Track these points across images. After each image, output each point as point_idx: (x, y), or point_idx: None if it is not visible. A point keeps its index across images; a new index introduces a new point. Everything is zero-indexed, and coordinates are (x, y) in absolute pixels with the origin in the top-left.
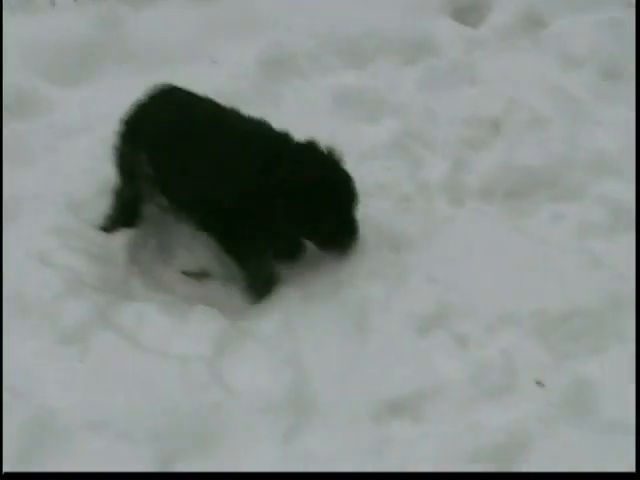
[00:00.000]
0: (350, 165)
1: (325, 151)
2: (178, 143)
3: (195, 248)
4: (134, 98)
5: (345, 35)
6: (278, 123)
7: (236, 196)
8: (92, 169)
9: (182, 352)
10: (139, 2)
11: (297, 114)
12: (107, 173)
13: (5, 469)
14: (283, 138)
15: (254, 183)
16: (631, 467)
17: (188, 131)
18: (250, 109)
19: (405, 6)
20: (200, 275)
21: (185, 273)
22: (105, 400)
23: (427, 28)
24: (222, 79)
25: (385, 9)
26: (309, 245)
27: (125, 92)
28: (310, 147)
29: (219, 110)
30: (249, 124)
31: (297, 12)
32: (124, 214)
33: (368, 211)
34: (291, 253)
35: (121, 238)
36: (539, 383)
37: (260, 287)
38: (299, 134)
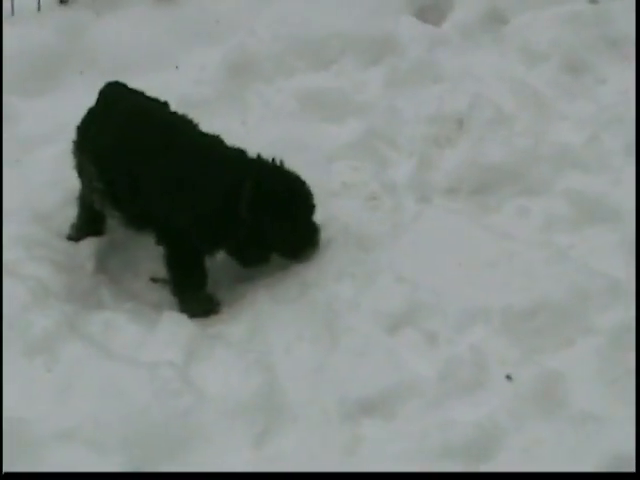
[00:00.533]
0: (317, 166)
1: (277, 164)
2: (128, 157)
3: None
4: None
5: (308, 37)
6: (244, 127)
7: (190, 218)
8: (57, 180)
9: (152, 359)
10: (101, 8)
11: (262, 117)
12: (72, 183)
13: None
14: (237, 155)
15: (212, 205)
16: (603, 457)
17: (139, 144)
18: (215, 114)
19: (367, 6)
20: (168, 281)
21: (153, 280)
22: (74, 409)
23: (389, 27)
24: (186, 85)
25: (347, 10)
26: None
27: (89, 100)
28: (263, 164)
29: (171, 119)
30: (203, 139)
31: (260, 16)
32: (89, 222)
33: (335, 211)
34: (257, 259)
35: (88, 247)
36: (509, 377)
37: (192, 315)
38: (264, 137)
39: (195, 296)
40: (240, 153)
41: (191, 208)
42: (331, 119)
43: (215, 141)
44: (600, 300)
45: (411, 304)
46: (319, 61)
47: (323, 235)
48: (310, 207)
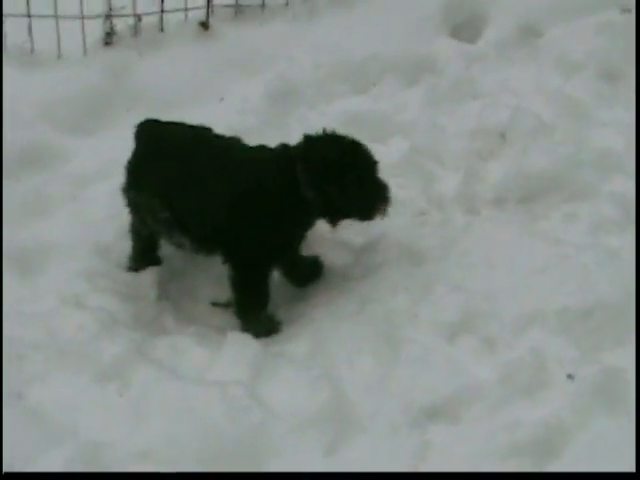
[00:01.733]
0: None
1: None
2: (188, 183)
3: (221, 279)
4: None
5: (347, 62)
6: None
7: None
8: (112, 214)
9: (220, 378)
10: (144, 48)
11: None
12: (128, 216)
13: None
14: (283, 149)
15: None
16: None
17: (194, 168)
18: (261, 141)
19: (403, 29)
20: (229, 305)
21: (214, 304)
22: (148, 430)
23: (426, 48)
24: (231, 116)
25: (384, 34)
26: (331, 267)
27: None
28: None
29: (217, 140)
30: (252, 151)
31: (298, 44)
32: (145, 253)
33: (385, 228)
34: (312, 274)
35: (149, 276)
36: (570, 376)
37: (255, 335)
38: None
39: (258, 317)
40: (284, 147)
41: (256, 216)
42: (375, 139)
43: (262, 149)
44: None
45: (467, 312)
46: (359, 85)
47: (377, 250)
48: (370, 163)
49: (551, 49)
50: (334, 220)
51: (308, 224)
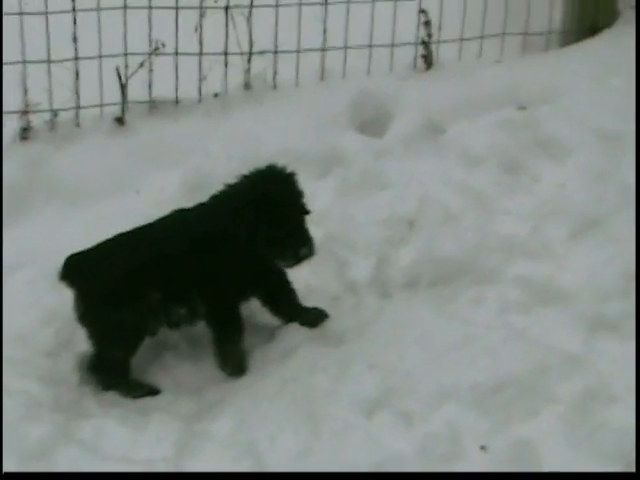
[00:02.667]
0: None
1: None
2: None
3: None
4: (65, 234)
5: (259, 155)
6: None
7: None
8: (32, 301)
9: (145, 457)
10: (61, 143)
11: None
12: (48, 304)
13: None
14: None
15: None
16: None
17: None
18: None
19: (313, 124)
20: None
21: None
22: None
23: (335, 142)
24: (147, 207)
25: (294, 128)
26: (250, 349)
27: (56, 228)
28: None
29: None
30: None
31: (212, 138)
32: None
33: None
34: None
35: (70, 361)
36: (483, 448)
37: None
38: None
39: (236, 347)
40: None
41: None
42: None
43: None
44: (559, 372)
45: (384, 388)
46: None
47: (294, 332)
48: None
49: (454, 144)
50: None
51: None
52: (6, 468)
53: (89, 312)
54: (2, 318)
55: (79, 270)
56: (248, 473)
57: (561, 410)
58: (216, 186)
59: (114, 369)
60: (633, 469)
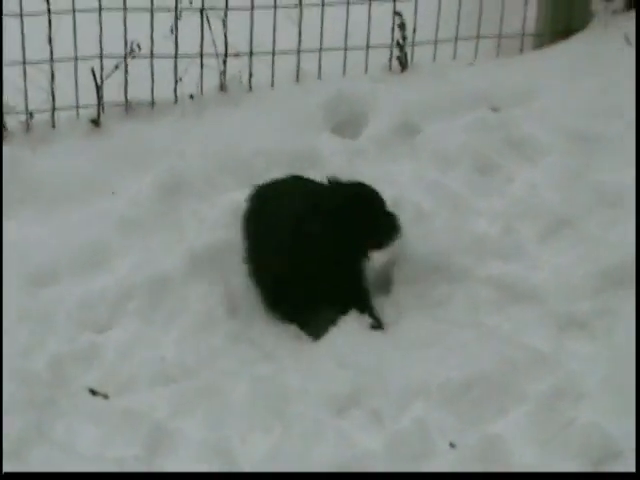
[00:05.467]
0: None
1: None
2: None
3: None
4: (40, 234)
5: (234, 156)
6: (180, 243)
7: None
8: (8, 302)
9: (117, 455)
10: (37, 144)
11: (197, 233)
12: (22, 304)
13: None
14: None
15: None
16: None
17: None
18: (154, 232)
19: (287, 126)
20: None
21: (92, 392)
22: None
23: (310, 143)
24: (123, 208)
25: (269, 130)
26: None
27: (31, 230)
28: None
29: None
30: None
31: (188, 139)
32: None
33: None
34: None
35: (43, 361)
36: (452, 445)
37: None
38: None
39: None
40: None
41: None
42: None
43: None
44: (529, 370)
45: (355, 387)
46: (247, 177)
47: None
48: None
49: (428, 145)
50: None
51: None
52: None
53: None
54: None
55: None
56: (249, 473)
57: (530, 408)
58: (191, 188)
59: None
60: (600, 466)
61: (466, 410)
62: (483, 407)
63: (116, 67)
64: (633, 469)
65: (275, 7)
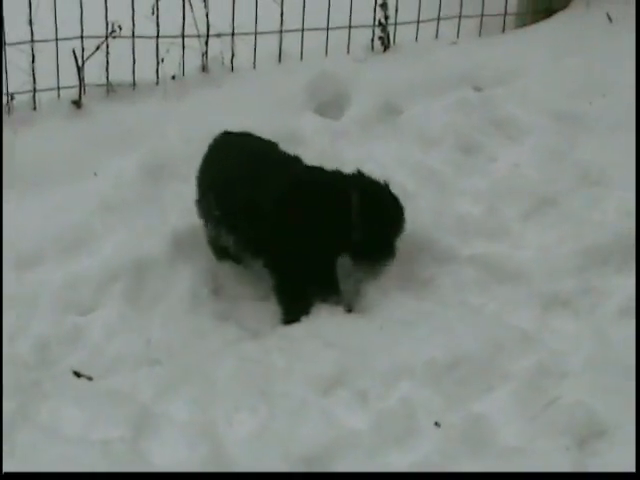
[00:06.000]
0: None
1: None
2: (240, 187)
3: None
4: (23, 217)
5: None
6: (163, 224)
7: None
8: None
9: (102, 437)
10: (18, 125)
11: (180, 214)
12: (8, 288)
13: None
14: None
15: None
16: None
17: (250, 174)
18: (137, 214)
19: (270, 106)
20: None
21: (76, 374)
22: None
23: (293, 123)
24: (106, 190)
25: (252, 110)
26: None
27: (13, 212)
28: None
29: (278, 154)
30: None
31: (170, 121)
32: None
33: None
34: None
35: (26, 343)
36: (437, 424)
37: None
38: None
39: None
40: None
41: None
42: None
43: (318, 168)
44: (513, 349)
45: (340, 366)
46: None
47: None
48: (401, 227)
49: (411, 125)
50: (357, 257)
51: (341, 247)
52: None
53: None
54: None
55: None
56: (249, 473)
57: (515, 386)
58: (174, 169)
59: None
60: (585, 444)
61: (451, 389)
62: (468, 386)
63: (97, 48)
64: (618, 446)
65: None
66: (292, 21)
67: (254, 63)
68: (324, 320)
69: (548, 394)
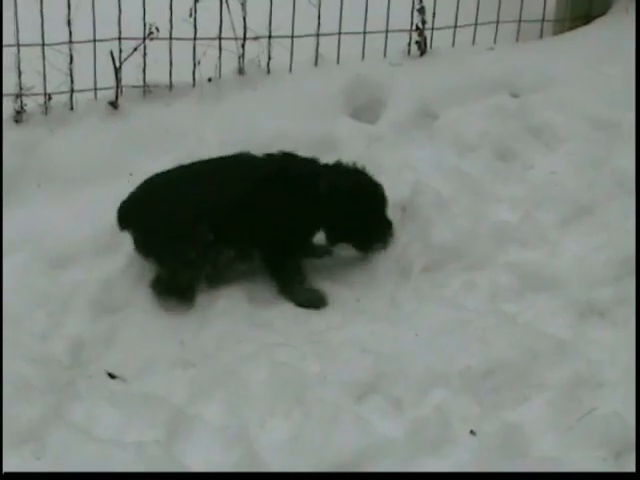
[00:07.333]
0: None
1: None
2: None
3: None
4: (58, 217)
5: (252, 140)
6: None
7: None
8: (26, 285)
9: (137, 439)
10: (55, 126)
11: None
12: (40, 287)
13: None
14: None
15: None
16: None
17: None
18: None
19: (306, 110)
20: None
21: (110, 375)
22: None
23: (329, 128)
24: None
25: (288, 113)
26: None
27: (48, 212)
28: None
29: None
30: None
31: (206, 123)
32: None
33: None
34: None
35: (62, 344)
36: (472, 432)
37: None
38: None
39: (302, 287)
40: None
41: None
42: None
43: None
44: (549, 358)
45: (375, 373)
46: None
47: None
48: (382, 201)
49: (447, 130)
50: (332, 238)
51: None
52: None
53: (150, 249)
54: (2, 305)
55: (134, 216)
56: (249, 473)
57: (550, 396)
58: None
59: (180, 292)
60: (620, 456)
61: (486, 398)
62: (503, 395)
63: (135, 49)
64: None
65: None
66: (329, 25)
67: (290, 66)
68: (359, 327)
69: (584, 404)
